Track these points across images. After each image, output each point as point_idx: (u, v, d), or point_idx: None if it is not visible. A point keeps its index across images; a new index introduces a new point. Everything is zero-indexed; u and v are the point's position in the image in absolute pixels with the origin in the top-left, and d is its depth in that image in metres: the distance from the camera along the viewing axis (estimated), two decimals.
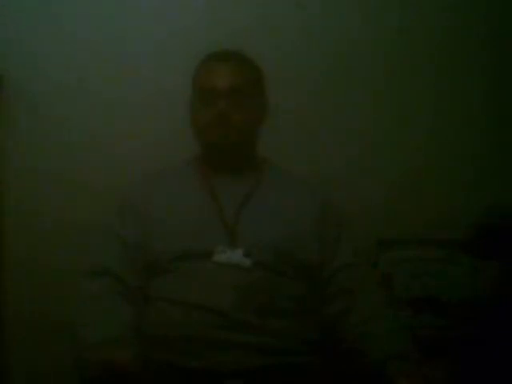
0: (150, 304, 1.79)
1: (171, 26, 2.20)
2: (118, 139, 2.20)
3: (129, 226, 1.83)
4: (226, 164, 1.88)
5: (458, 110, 2.28)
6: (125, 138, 2.20)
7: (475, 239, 2.16)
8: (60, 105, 2.21)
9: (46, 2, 2.16)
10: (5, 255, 2.16)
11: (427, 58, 2.26)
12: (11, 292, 2.16)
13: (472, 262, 2.13)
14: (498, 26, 2.24)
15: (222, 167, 1.88)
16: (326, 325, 1.82)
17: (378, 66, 2.25)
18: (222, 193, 1.84)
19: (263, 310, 1.73)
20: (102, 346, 1.65)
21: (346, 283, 1.82)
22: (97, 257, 1.83)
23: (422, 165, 2.28)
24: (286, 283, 1.77)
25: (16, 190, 2.16)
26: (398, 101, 2.27)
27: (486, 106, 2.28)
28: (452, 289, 2.11)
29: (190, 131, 1.90)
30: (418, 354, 1.72)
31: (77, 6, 2.16)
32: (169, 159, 2.03)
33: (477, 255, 2.13)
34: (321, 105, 2.25)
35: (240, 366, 1.69)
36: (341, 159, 2.25)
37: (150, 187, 1.89)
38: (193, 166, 1.92)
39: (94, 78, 2.20)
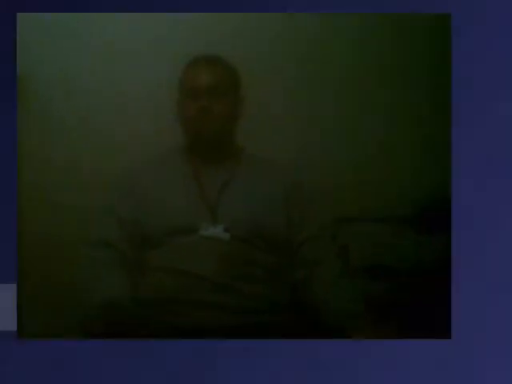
0: (147, 273, 1.93)
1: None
2: (118, 138, 2.27)
3: (126, 204, 1.97)
4: (209, 152, 2.01)
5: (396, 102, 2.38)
6: (125, 137, 2.27)
7: (420, 217, 2.30)
8: (60, 105, 2.24)
9: None
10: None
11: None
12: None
13: (416, 237, 2.26)
14: None
15: (205, 155, 2.01)
16: (293, 288, 1.96)
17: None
18: (205, 178, 1.98)
19: (240, 276, 1.87)
20: (103, 307, 1.84)
21: (310, 253, 1.97)
22: (99, 231, 1.97)
23: (377, 153, 2.38)
24: (260, 254, 1.91)
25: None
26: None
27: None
28: (400, 259, 2.24)
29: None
30: (371, 315, 1.86)
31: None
32: None
33: (421, 231, 2.26)
34: (289, 98, 2.36)
35: (220, 324, 1.81)
36: (307, 146, 2.37)
37: (142, 172, 2.03)
38: (179, 154, 2.04)
39: (94, 78, 2.25)
